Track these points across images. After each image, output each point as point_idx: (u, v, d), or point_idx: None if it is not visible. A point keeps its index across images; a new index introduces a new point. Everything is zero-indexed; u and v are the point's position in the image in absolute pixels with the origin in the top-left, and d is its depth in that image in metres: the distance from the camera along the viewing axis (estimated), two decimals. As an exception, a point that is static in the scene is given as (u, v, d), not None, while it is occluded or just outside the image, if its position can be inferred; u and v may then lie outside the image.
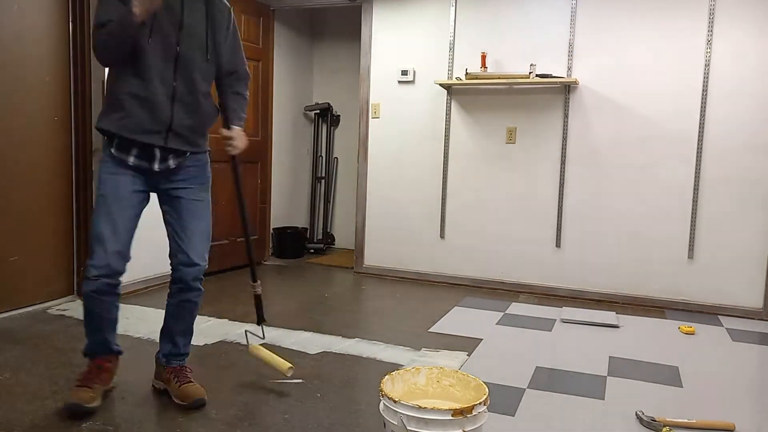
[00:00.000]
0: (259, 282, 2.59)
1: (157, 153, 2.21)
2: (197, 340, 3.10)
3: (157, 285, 4.18)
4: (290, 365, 2.49)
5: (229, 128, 2.35)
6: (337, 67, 6.04)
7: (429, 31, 4.63)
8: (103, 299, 2.20)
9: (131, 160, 2.19)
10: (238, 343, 3.07)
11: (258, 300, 2.61)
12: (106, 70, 2.25)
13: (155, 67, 2.14)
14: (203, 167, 2.38)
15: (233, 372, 2.69)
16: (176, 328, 2.42)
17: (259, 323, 2.63)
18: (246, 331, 2.65)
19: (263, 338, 2.65)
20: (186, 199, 2.32)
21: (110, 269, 2.16)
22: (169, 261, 2.35)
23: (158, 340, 2.46)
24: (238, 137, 2.37)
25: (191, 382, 2.35)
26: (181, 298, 2.37)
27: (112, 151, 2.18)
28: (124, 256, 2.21)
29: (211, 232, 2.42)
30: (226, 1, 2.39)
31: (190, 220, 2.32)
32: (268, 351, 2.60)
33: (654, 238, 4.13)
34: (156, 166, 2.22)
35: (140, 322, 3.36)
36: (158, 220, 4.19)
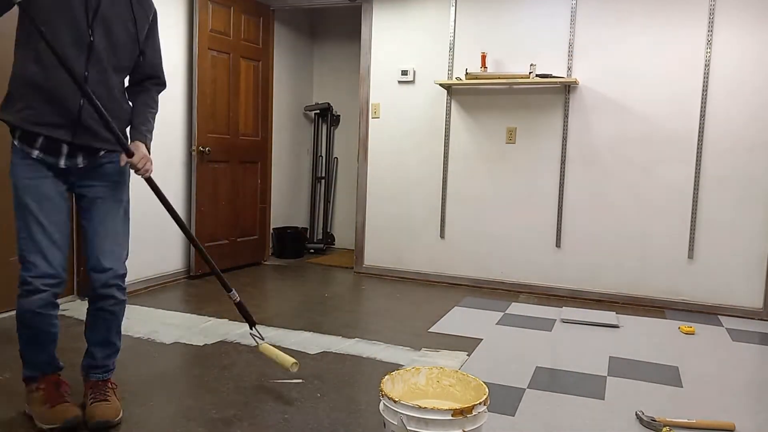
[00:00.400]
0: (233, 291, 2.50)
1: (64, 149, 2.03)
2: (198, 340, 3.10)
3: (158, 285, 4.18)
4: (294, 361, 2.46)
5: (128, 153, 2.09)
6: (337, 67, 6.04)
7: (429, 31, 4.63)
8: (50, 313, 2.02)
9: (35, 153, 2.00)
10: (238, 343, 3.07)
11: (240, 307, 2.54)
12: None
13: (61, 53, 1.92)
14: (119, 165, 2.16)
15: (233, 372, 2.69)
16: (93, 338, 2.21)
17: (251, 327, 2.60)
18: (250, 333, 2.62)
19: (262, 338, 2.63)
20: (101, 199, 2.13)
21: (58, 277, 2.01)
22: (86, 265, 2.18)
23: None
24: (143, 158, 2.12)
25: (105, 400, 2.14)
26: (96, 306, 2.17)
27: (15, 143, 2.01)
28: (64, 264, 2.06)
29: (128, 235, 2.24)
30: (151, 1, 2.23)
31: (103, 223, 2.13)
32: (274, 349, 2.57)
33: (654, 237, 4.13)
34: (62, 163, 2.04)
35: (140, 322, 3.36)
36: (156, 220, 4.21)
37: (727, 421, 2.29)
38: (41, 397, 2.11)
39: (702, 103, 3.97)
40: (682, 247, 4.07)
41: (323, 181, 6.09)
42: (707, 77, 3.95)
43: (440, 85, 4.51)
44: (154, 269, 4.17)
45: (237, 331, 3.26)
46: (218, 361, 2.83)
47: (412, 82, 4.71)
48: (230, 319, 3.47)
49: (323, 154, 6.09)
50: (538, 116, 4.37)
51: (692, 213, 4.04)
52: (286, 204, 5.80)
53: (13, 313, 3.40)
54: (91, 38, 1.99)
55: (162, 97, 4.21)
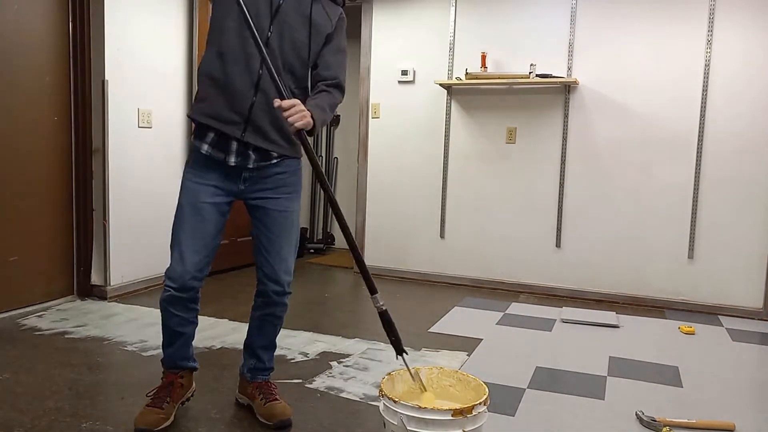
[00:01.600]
0: (378, 294, 1.99)
1: (233, 145, 2.02)
2: (198, 340, 3.10)
3: (158, 285, 4.18)
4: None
5: (282, 97, 1.95)
6: (337, 67, 6.03)
7: (429, 31, 4.63)
8: (173, 312, 2.12)
9: (205, 148, 2.03)
10: (239, 343, 3.07)
11: (384, 318, 2.00)
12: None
13: (240, 48, 1.96)
14: (294, 174, 2.17)
15: (233, 372, 2.69)
16: (260, 341, 2.28)
17: (398, 355, 1.98)
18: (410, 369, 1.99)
19: (413, 379, 1.97)
20: (273, 210, 2.13)
21: (182, 283, 2.09)
22: (257, 273, 2.20)
23: (242, 354, 2.35)
24: (296, 106, 1.90)
25: (277, 400, 2.23)
26: (265, 311, 2.23)
27: (192, 139, 2.08)
28: (201, 272, 2.10)
29: (298, 244, 2.26)
30: (339, 6, 2.25)
31: (280, 235, 2.14)
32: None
33: (654, 238, 4.13)
34: (232, 160, 2.03)
35: (140, 322, 3.36)
36: (157, 221, 4.21)
37: (727, 421, 2.29)
38: (149, 392, 2.20)
39: (702, 103, 3.97)
40: (682, 247, 4.07)
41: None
42: (707, 77, 3.95)
43: (440, 85, 4.51)
44: (155, 269, 4.16)
45: (237, 331, 3.26)
46: (218, 360, 2.83)
47: (412, 82, 4.71)
48: (230, 319, 3.47)
49: (323, 154, 6.09)
50: (538, 116, 4.37)
51: (692, 213, 4.03)
52: (286, 204, 5.80)
53: (13, 312, 3.42)
54: (269, 34, 1.98)
55: (162, 96, 4.25)
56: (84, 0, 3.67)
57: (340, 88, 2.27)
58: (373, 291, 1.98)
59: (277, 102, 1.91)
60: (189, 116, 2.07)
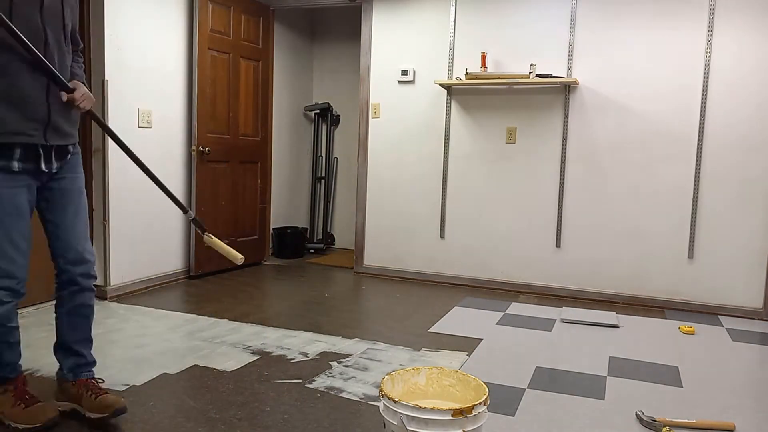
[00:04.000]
0: (189, 212, 2.44)
1: (41, 153, 2.00)
2: (198, 340, 3.10)
3: (158, 285, 4.18)
4: (242, 256, 2.38)
5: (68, 89, 2.01)
6: (337, 67, 6.04)
7: (429, 31, 4.63)
8: (12, 320, 2.03)
9: (16, 165, 1.95)
10: (238, 343, 3.07)
11: (195, 222, 2.46)
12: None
13: (22, 57, 1.89)
14: (78, 156, 2.18)
15: (233, 372, 2.69)
16: (76, 337, 2.19)
17: (201, 232, 2.46)
18: (191, 222, 2.49)
19: (204, 232, 2.46)
20: (71, 191, 2.11)
21: (21, 284, 2.00)
22: (54, 262, 2.13)
23: (55, 357, 2.23)
24: (84, 94, 2.04)
25: (107, 393, 2.16)
26: (74, 303, 2.15)
27: None
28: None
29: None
30: None
31: (78, 214, 2.12)
32: (220, 241, 2.43)
33: (654, 237, 4.13)
34: (44, 166, 2.01)
35: (140, 322, 3.36)
36: (157, 221, 4.21)
37: (727, 421, 2.29)
38: (11, 399, 2.09)
39: (702, 102, 3.97)
40: (682, 246, 4.07)
41: (323, 181, 6.09)
42: (707, 77, 3.95)
43: (440, 85, 4.51)
44: (154, 269, 4.17)
45: (237, 331, 3.26)
46: (218, 361, 2.83)
47: (412, 82, 4.71)
48: (230, 319, 3.47)
49: (323, 154, 6.09)
50: (538, 116, 4.37)
51: (692, 213, 4.03)
52: (286, 204, 5.80)
53: None
54: (45, 34, 1.95)
55: (162, 97, 4.25)
56: (84, 0, 3.67)
57: (82, 53, 2.28)
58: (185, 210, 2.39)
59: (65, 96, 1.98)
60: None
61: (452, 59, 4.55)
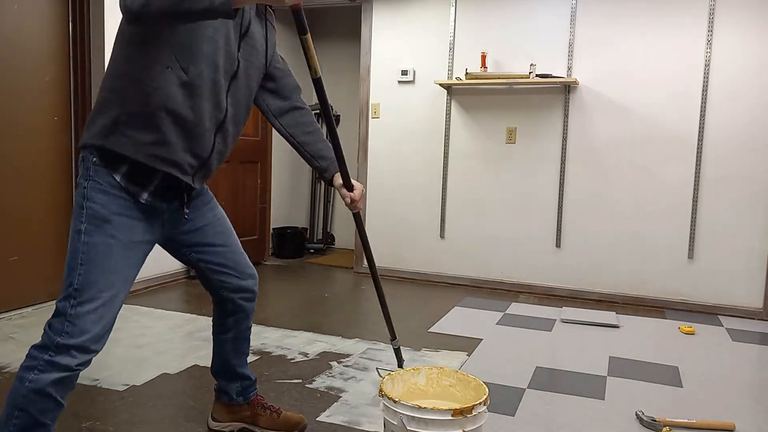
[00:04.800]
0: (397, 339, 2.27)
1: (182, 191, 1.70)
2: (198, 340, 3.10)
3: (158, 285, 4.18)
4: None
5: (348, 186, 1.92)
6: (337, 67, 6.04)
7: (429, 31, 4.63)
8: (59, 399, 1.52)
9: (144, 197, 1.59)
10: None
11: (398, 353, 2.28)
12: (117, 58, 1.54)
13: (211, 80, 1.58)
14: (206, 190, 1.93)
15: (233, 372, 2.69)
16: (239, 361, 2.06)
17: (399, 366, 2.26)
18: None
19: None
20: (218, 218, 1.89)
21: (89, 355, 1.54)
22: (215, 296, 1.96)
23: (216, 382, 2.10)
24: (361, 191, 1.95)
25: (281, 410, 2.12)
26: (240, 327, 2.01)
27: (117, 179, 1.55)
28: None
29: None
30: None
31: (230, 233, 1.92)
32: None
33: (654, 238, 4.13)
34: (186, 209, 1.73)
35: (140, 323, 3.36)
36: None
37: (727, 421, 2.29)
38: None
39: (702, 103, 3.97)
40: (682, 247, 4.07)
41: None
42: (707, 77, 3.95)
43: (440, 85, 4.51)
44: (154, 269, 4.17)
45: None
46: (218, 361, 2.83)
47: (412, 82, 4.71)
48: (230, 319, 3.47)
49: (323, 154, 6.09)
50: (538, 116, 4.37)
51: (692, 213, 4.04)
52: (286, 204, 5.80)
53: (13, 312, 3.41)
54: (238, 62, 1.65)
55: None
56: (84, 0, 3.67)
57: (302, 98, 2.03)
58: (393, 336, 2.20)
59: (348, 195, 1.93)
60: (128, 156, 1.53)
61: (452, 59, 4.56)
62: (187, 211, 1.74)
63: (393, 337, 2.23)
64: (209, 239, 1.85)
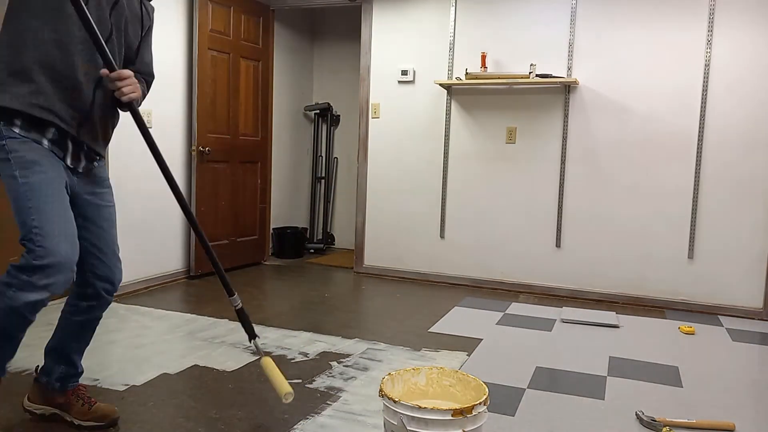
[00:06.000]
0: (235, 295, 2.17)
1: (69, 145, 1.87)
2: (197, 340, 3.10)
3: (158, 285, 4.18)
4: (289, 390, 2.05)
5: (111, 68, 1.84)
6: (337, 67, 6.04)
7: (429, 31, 4.63)
8: (30, 318, 1.79)
9: (45, 143, 1.81)
10: (238, 344, 3.07)
11: (240, 315, 2.19)
12: None
13: (82, 39, 1.77)
14: (105, 169, 2.09)
15: (233, 372, 2.69)
16: (77, 347, 2.09)
17: (250, 340, 2.19)
18: (252, 342, 2.20)
19: (261, 354, 2.20)
20: (102, 205, 2.02)
21: (68, 276, 1.79)
22: (80, 277, 1.99)
23: (44, 360, 2.10)
24: (128, 78, 1.85)
25: (97, 401, 2.14)
26: (92, 315, 2.06)
27: (16, 131, 1.77)
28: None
29: None
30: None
31: (111, 229, 2.04)
32: (274, 367, 2.15)
33: (654, 238, 4.13)
34: (68, 161, 1.88)
35: (140, 323, 3.36)
36: (157, 221, 4.21)
37: (727, 421, 2.29)
38: None
39: (702, 103, 3.97)
40: (682, 247, 4.07)
41: (323, 181, 6.09)
42: (707, 77, 3.95)
43: (440, 85, 4.51)
44: (154, 269, 4.17)
45: (236, 331, 3.26)
46: (218, 361, 2.83)
47: (412, 82, 4.71)
48: (230, 319, 3.47)
49: (323, 154, 6.09)
50: (538, 116, 4.37)
51: (692, 213, 4.03)
52: (286, 204, 5.80)
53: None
54: (111, 27, 1.86)
55: (162, 97, 4.25)
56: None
57: (150, 84, 2.15)
58: (230, 293, 2.15)
59: (105, 71, 1.81)
60: (11, 108, 1.75)
61: (452, 59, 4.55)
62: (77, 164, 1.89)
63: (230, 294, 2.16)
64: (96, 218, 1.99)
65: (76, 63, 1.79)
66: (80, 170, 1.93)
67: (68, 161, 1.88)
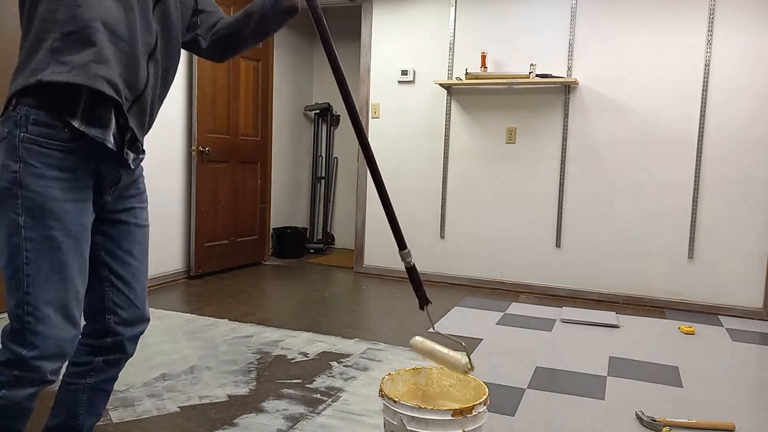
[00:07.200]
0: (408, 249, 1.81)
1: (112, 122, 1.36)
2: (197, 340, 3.10)
3: (158, 285, 4.18)
4: (466, 362, 1.79)
5: None
6: (337, 67, 6.03)
7: (429, 31, 4.63)
8: (31, 408, 1.35)
9: (76, 123, 1.30)
10: (238, 343, 3.07)
11: (412, 274, 1.82)
12: None
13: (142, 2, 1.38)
14: (143, 177, 1.59)
15: (233, 372, 2.69)
16: (90, 421, 1.58)
17: (422, 306, 1.84)
18: (426, 309, 1.86)
19: (432, 324, 1.94)
20: (138, 225, 1.53)
21: (65, 354, 1.33)
22: (94, 322, 1.51)
23: None
24: None
25: None
26: (105, 376, 1.56)
27: (75, 125, 1.29)
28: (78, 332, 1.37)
29: None
30: None
31: (141, 257, 1.54)
32: (433, 345, 1.88)
33: (654, 238, 4.13)
34: (110, 140, 1.35)
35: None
36: (157, 222, 4.21)
37: (727, 421, 2.29)
38: None
39: (702, 103, 3.97)
40: (682, 247, 4.07)
41: (323, 181, 6.09)
42: (707, 77, 3.95)
43: (440, 85, 4.51)
44: (154, 269, 4.16)
45: (237, 331, 3.26)
46: (218, 361, 2.83)
47: (412, 82, 4.71)
48: (230, 319, 3.47)
49: (323, 154, 6.09)
50: (538, 116, 4.37)
51: (692, 213, 4.03)
52: (286, 204, 5.80)
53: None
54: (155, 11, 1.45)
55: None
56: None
57: None
58: (402, 246, 1.80)
59: None
60: (71, 83, 1.26)
61: (452, 59, 4.55)
62: (125, 152, 1.40)
63: (403, 247, 1.83)
64: (124, 241, 1.50)
65: (138, 28, 1.36)
66: (131, 166, 1.46)
67: (110, 141, 1.35)
